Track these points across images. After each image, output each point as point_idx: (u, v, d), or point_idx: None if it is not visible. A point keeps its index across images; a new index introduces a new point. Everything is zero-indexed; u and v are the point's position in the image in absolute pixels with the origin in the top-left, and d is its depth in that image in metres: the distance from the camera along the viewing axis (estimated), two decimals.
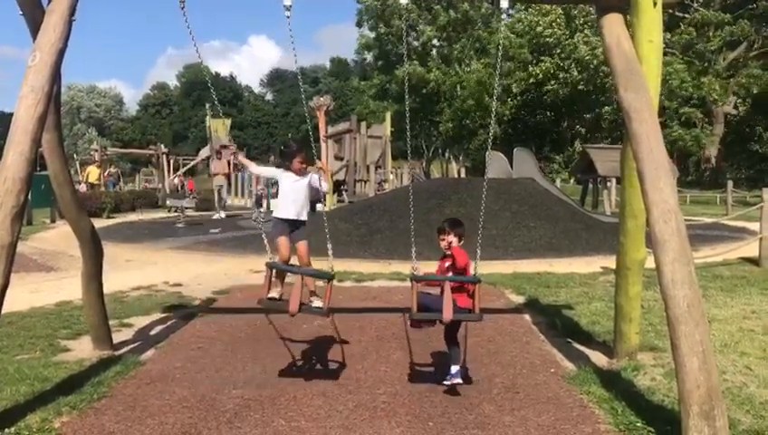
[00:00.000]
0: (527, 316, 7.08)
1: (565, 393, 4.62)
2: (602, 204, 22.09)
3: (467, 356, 5.37)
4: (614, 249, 5.53)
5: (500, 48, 6.13)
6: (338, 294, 7.93)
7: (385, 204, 14.10)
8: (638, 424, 3.98)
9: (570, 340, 6.05)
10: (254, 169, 5.83)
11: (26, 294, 8.03)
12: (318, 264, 5.20)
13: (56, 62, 4.31)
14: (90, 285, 5.61)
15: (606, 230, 12.37)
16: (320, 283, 4.93)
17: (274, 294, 4.79)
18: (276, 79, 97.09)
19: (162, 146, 33.46)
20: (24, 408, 4.17)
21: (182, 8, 4.78)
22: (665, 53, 7.31)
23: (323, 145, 24.13)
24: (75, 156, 40.62)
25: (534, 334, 6.35)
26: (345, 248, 11.16)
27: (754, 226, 11.93)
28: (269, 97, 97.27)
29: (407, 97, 5.78)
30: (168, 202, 23.71)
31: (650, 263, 4.33)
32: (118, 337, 5.98)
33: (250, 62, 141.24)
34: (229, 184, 24.91)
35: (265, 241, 4.93)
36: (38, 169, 6.68)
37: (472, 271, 4.52)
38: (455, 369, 4.61)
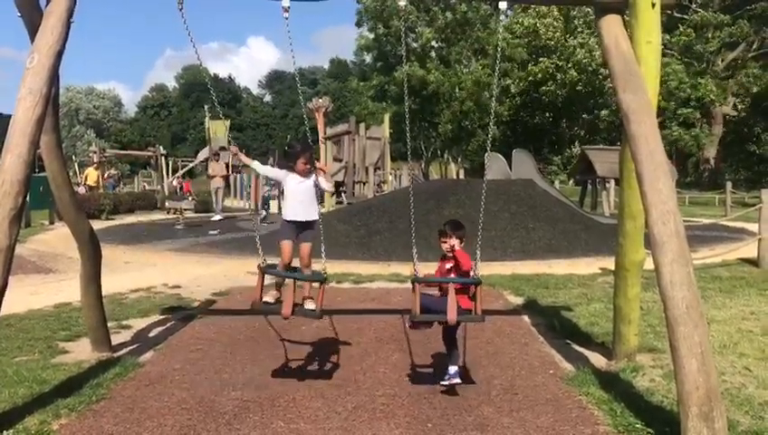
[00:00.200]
0: (526, 318, 7.08)
1: (564, 395, 4.62)
2: (601, 205, 22.06)
3: (466, 357, 5.37)
4: (613, 250, 5.53)
5: (498, 49, 6.11)
6: (336, 295, 7.93)
7: (384, 205, 14.08)
8: (638, 425, 3.98)
9: (569, 341, 6.05)
10: (260, 168, 5.42)
11: (25, 296, 8.02)
12: (316, 265, 5.19)
13: (54, 65, 4.31)
14: (88, 286, 5.60)
15: (605, 231, 12.35)
16: (316, 285, 4.93)
17: (269, 298, 4.78)
18: (275, 80, 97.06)
19: (161, 148, 33.42)
20: (23, 410, 4.16)
21: (180, 9, 4.78)
22: (663, 55, 7.31)
23: (322, 147, 24.11)
24: (74, 157, 40.57)
25: (533, 336, 6.35)
26: (344, 250, 11.15)
27: (753, 227, 11.92)
28: (268, 99, 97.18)
29: (406, 98, 5.71)
30: (167, 204, 23.67)
31: (649, 264, 4.32)
32: (116, 339, 5.98)
33: (248, 64, 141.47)
34: (228, 186, 24.86)
35: (258, 244, 4.88)
36: (36, 170, 6.67)
37: (473, 273, 4.52)
38: (453, 369, 4.62)
